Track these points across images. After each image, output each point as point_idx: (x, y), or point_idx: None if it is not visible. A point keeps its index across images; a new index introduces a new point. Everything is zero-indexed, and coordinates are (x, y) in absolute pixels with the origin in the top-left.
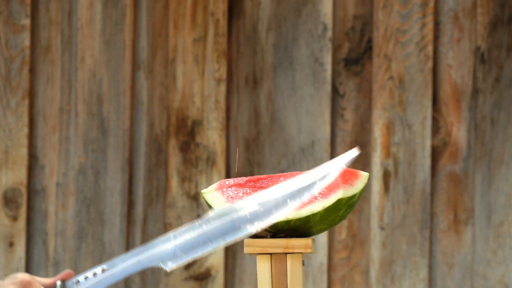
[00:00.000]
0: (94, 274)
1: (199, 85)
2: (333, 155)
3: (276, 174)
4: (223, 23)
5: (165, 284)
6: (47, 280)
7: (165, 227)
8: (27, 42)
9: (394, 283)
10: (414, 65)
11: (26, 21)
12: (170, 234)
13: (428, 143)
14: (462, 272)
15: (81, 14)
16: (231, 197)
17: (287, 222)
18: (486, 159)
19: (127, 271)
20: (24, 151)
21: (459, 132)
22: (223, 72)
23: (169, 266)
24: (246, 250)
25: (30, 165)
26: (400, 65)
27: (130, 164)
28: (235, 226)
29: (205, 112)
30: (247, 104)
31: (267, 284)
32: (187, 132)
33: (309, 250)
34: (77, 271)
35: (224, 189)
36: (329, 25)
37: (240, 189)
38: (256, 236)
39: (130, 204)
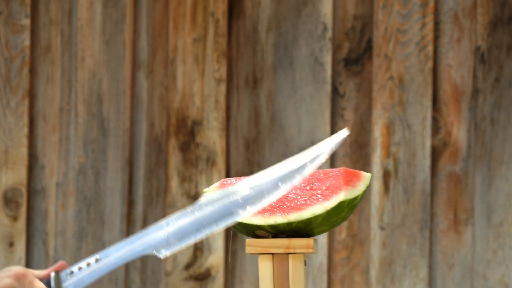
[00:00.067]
0: (88, 264)
1: (199, 85)
2: (333, 155)
3: None
4: (223, 23)
5: (165, 284)
6: (41, 272)
7: None
8: (27, 42)
9: (394, 283)
10: (414, 65)
11: (26, 21)
12: (163, 221)
13: (428, 143)
14: (462, 272)
15: (81, 14)
16: None
17: (289, 224)
18: (486, 159)
19: (121, 260)
20: (24, 151)
21: (459, 132)
22: (223, 72)
23: (163, 253)
24: (248, 250)
25: (30, 165)
26: (400, 65)
27: (130, 164)
28: (227, 211)
29: (205, 112)
30: (247, 104)
31: (269, 284)
32: (187, 132)
33: (310, 250)
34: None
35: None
36: (329, 25)
37: None
38: (257, 236)
39: (130, 204)
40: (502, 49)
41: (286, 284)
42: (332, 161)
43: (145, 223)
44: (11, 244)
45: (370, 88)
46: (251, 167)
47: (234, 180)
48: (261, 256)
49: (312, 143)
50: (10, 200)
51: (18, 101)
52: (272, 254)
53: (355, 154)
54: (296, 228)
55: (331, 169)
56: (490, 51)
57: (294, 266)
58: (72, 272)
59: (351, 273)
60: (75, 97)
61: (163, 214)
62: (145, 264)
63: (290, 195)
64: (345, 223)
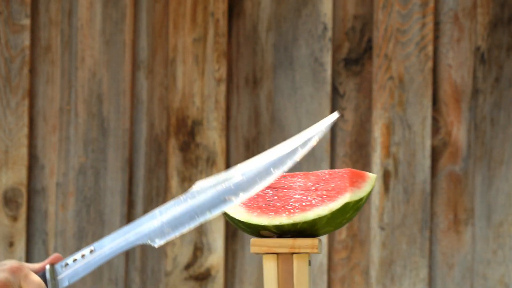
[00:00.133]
0: (83, 256)
1: (199, 85)
2: (333, 155)
3: (284, 174)
4: (223, 23)
5: (165, 284)
6: (36, 265)
7: None
8: (27, 42)
9: (394, 283)
10: (414, 65)
11: (26, 21)
12: (156, 210)
13: (428, 143)
14: (462, 272)
15: (81, 14)
16: None
17: (294, 224)
18: (486, 159)
19: (116, 251)
20: (24, 151)
21: (459, 132)
22: (223, 72)
23: (157, 243)
24: (253, 249)
25: (30, 165)
26: (400, 65)
27: (130, 164)
28: (220, 198)
29: (205, 112)
30: (247, 104)
31: (273, 284)
32: (187, 132)
33: (315, 250)
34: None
35: None
36: (329, 25)
37: None
38: (262, 236)
39: (130, 204)
40: (502, 49)
41: (290, 284)
42: (332, 161)
43: None
44: (11, 244)
45: (370, 88)
46: None
47: None
48: (265, 256)
49: None
50: (10, 200)
51: (18, 101)
52: (277, 254)
53: (355, 154)
54: (301, 229)
55: (336, 169)
56: (490, 51)
57: (299, 266)
58: (67, 264)
59: (351, 273)
60: (75, 97)
61: None
62: (145, 264)
63: (295, 196)
64: None
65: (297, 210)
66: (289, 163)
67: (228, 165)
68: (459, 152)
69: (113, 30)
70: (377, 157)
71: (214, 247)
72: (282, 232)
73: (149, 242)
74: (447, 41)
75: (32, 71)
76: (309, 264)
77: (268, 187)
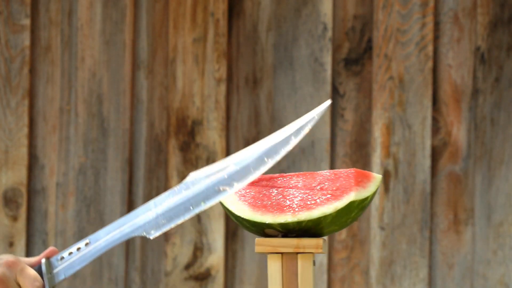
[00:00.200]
0: (78, 249)
1: (199, 85)
2: (333, 155)
3: (289, 174)
4: (223, 23)
5: (165, 284)
6: (32, 259)
7: None
8: (27, 42)
9: (394, 283)
10: (414, 65)
11: (26, 21)
12: (151, 202)
13: (428, 143)
14: (462, 272)
15: (81, 14)
16: (243, 196)
17: (299, 223)
18: (486, 159)
19: (111, 243)
20: (24, 151)
21: (459, 132)
22: (223, 72)
23: (152, 234)
24: (257, 249)
25: (30, 165)
26: (400, 65)
27: (130, 164)
28: (214, 188)
29: (205, 112)
30: (247, 104)
31: (278, 284)
32: (187, 132)
33: (320, 250)
34: (77, 271)
35: None
36: (329, 25)
37: (252, 187)
38: (267, 235)
39: (130, 204)
40: (502, 49)
41: (294, 284)
42: (332, 161)
43: None
44: (11, 244)
45: (370, 88)
46: None
47: None
48: (270, 256)
49: (312, 143)
50: (10, 200)
51: (18, 101)
52: (281, 253)
53: (355, 154)
54: (306, 227)
55: (341, 169)
56: (490, 51)
57: (303, 266)
58: (62, 258)
59: (351, 273)
60: (75, 97)
61: None
62: (145, 264)
63: (300, 195)
64: None
65: (302, 209)
66: (283, 152)
67: None
68: (459, 152)
69: (113, 30)
70: (377, 157)
71: (214, 247)
72: (287, 230)
73: (145, 234)
74: (447, 41)
75: (32, 71)
76: (314, 264)
77: (273, 187)
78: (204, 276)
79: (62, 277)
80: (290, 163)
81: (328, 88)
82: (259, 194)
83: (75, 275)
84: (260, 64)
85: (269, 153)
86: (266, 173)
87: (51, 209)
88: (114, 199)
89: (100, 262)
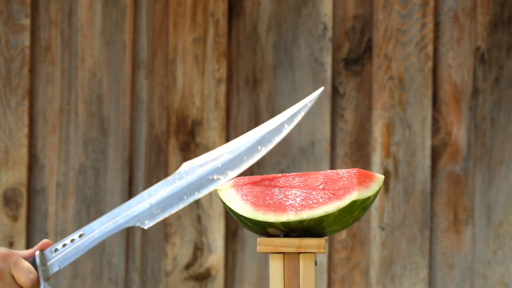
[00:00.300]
0: (72, 241)
1: (199, 85)
2: (333, 155)
3: (292, 174)
4: (223, 23)
5: (165, 284)
6: (26, 252)
7: (165, 227)
8: (27, 42)
9: (394, 283)
10: (414, 65)
11: (26, 21)
12: (145, 192)
13: (428, 143)
14: (462, 272)
15: (81, 14)
16: (246, 195)
17: (301, 222)
18: (486, 159)
19: (105, 234)
20: (24, 151)
21: (459, 132)
22: (223, 72)
23: (147, 225)
24: (259, 249)
25: (30, 165)
26: (400, 65)
27: (130, 164)
28: (208, 178)
29: (205, 112)
30: (247, 104)
31: (279, 284)
32: (187, 132)
33: (322, 250)
34: (77, 271)
35: (239, 187)
36: (329, 25)
37: (254, 187)
38: (269, 234)
39: None
40: (502, 49)
41: (296, 284)
42: (332, 161)
43: None
44: (11, 244)
45: (370, 88)
46: (251, 167)
47: (247, 179)
48: (272, 255)
49: (312, 143)
50: (10, 200)
51: (18, 101)
52: (283, 253)
53: (355, 154)
54: (308, 226)
55: (344, 169)
56: (490, 51)
57: (305, 266)
58: (56, 250)
59: (351, 273)
60: (75, 97)
61: None
62: (145, 264)
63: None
64: None
65: (304, 208)
66: (276, 140)
67: None
68: (459, 152)
69: (113, 30)
70: (377, 157)
71: (214, 247)
72: (289, 229)
73: (139, 224)
74: (447, 41)
75: (32, 71)
76: (315, 264)
77: (275, 186)
78: (204, 276)
79: (56, 269)
80: (290, 163)
81: (328, 88)
82: (262, 193)
83: (75, 275)
84: (260, 64)
85: (262, 141)
86: (266, 173)
87: (51, 209)
88: (114, 199)
89: (100, 262)
